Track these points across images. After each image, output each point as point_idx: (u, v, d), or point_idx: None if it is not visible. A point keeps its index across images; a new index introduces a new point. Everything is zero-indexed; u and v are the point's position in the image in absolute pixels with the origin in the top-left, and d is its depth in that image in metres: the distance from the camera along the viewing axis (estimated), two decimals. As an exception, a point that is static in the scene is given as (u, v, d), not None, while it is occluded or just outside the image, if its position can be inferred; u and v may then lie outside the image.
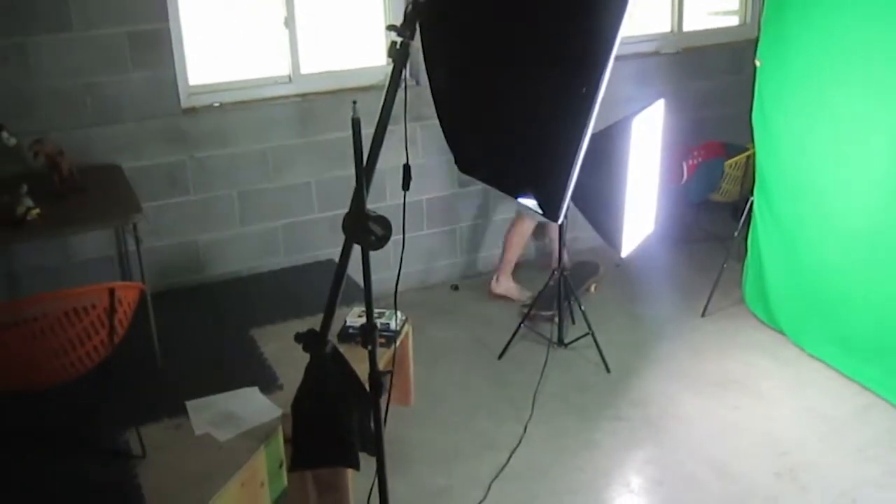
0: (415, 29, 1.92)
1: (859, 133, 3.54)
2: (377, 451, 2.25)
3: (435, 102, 2.03)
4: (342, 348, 2.36)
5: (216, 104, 4.13)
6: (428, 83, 1.98)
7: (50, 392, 2.81)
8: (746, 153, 4.76)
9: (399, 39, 1.93)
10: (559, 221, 2.02)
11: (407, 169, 2.05)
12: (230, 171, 4.20)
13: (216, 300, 4.09)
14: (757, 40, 3.98)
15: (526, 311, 4.24)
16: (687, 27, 5.23)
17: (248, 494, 2.93)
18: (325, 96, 4.31)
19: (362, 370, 2.26)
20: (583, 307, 4.09)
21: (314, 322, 2.26)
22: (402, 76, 1.96)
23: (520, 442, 3.45)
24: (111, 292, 2.66)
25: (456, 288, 4.82)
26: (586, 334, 4.06)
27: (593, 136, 1.88)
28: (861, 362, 3.72)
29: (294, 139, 4.29)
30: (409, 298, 4.50)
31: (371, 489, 2.36)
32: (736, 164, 4.87)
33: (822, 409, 3.58)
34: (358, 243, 2.03)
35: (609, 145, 3.49)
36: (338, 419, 2.35)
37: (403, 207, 2.28)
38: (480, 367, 4.01)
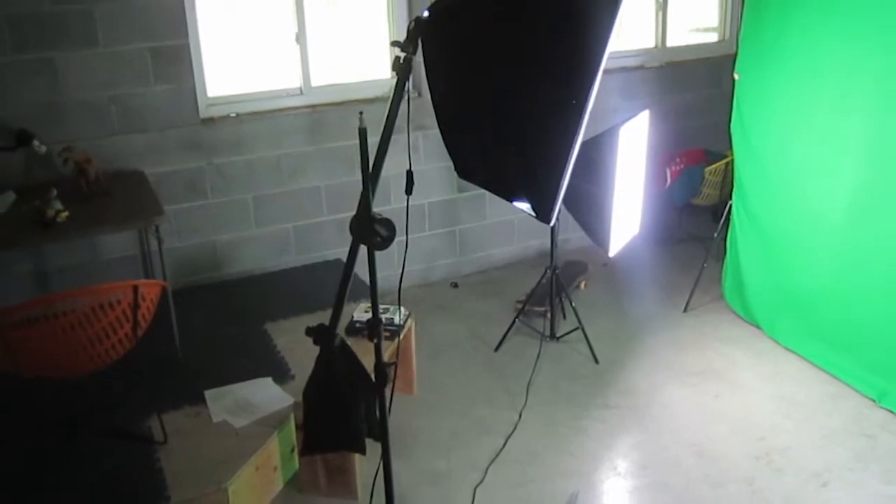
0: (417, 45, 1.92)
1: (831, 141, 3.54)
2: (382, 437, 2.25)
3: (436, 113, 2.03)
4: (350, 341, 2.36)
5: (233, 114, 4.13)
6: (429, 95, 1.97)
7: (79, 381, 2.82)
8: (725, 160, 4.76)
9: (402, 54, 1.93)
10: (551, 223, 2.02)
11: (410, 175, 2.05)
12: (246, 177, 4.19)
13: (232, 296, 4.09)
14: (735, 55, 3.98)
15: (520, 306, 4.24)
16: (670, 43, 5.22)
17: (262, 477, 2.93)
18: (333, 107, 4.31)
19: (368, 362, 2.26)
20: (573, 303, 4.08)
21: (323, 317, 2.26)
22: (406, 88, 1.96)
23: (515, 428, 3.44)
24: (135, 289, 2.67)
25: (455, 285, 4.82)
26: (576, 328, 4.06)
27: (583, 144, 1.88)
28: (831, 354, 3.72)
29: (305, 147, 4.29)
30: (411, 295, 4.50)
31: (377, 472, 2.36)
32: (715, 170, 4.87)
33: (795, 397, 3.58)
34: (364, 244, 2.03)
35: (598, 153, 3.49)
36: (346, 407, 2.35)
37: (407, 210, 2.29)
38: (478, 358, 4.00)
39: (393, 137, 1.99)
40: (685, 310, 4.39)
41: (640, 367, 3.90)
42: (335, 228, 4.44)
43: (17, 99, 3.61)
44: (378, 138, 1.99)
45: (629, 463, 3.25)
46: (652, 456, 3.26)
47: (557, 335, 4.13)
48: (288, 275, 4.33)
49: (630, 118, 3.73)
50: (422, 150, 4.46)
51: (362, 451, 2.44)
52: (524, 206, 2.05)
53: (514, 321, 4.15)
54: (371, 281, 2.11)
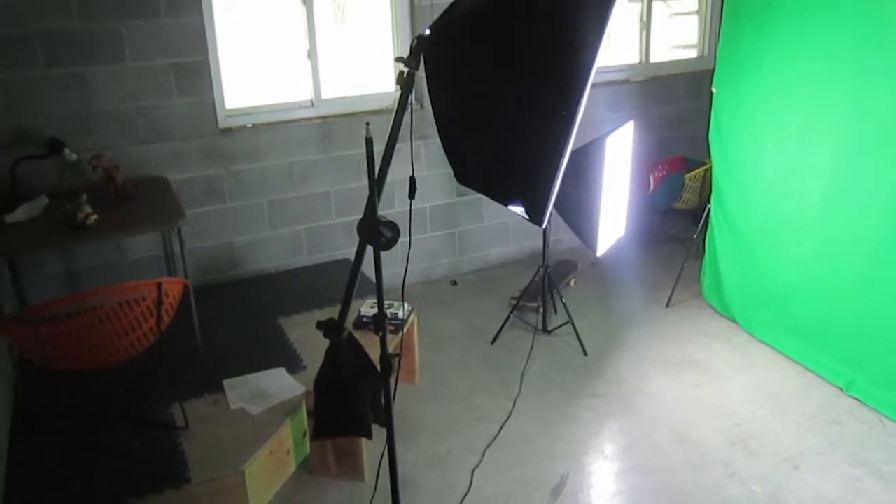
0: (419, 60, 1.92)
1: (802, 150, 3.54)
2: (387, 423, 2.25)
3: (436, 123, 2.03)
4: (357, 334, 2.36)
5: (249, 125, 4.13)
6: (430, 107, 1.97)
7: (107, 372, 2.82)
8: (704, 167, 4.76)
9: (406, 69, 1.93)
10: (543, 226, 2.02)
11: (413, 181, 2.05)
12: (261, 183, 4.19)
13: (249, 293, 4.08)
14: (713, 71, 3.98)
15: (515, 302, 4.24)
16: (653, 59, 5.22)
17: (276, 460, 2.93)
18: (342, 118, 4.30)
19: (374, 353, 2.26)
20: (564, 299, 4.08)
21: (333, 312, 2.26)
22: (409, 101, 1.96)
23: (510, 415, 3.44)
24: (159, 286, 2.66)
25: (455, 283, 4.81)
26: (567, 323, 4.06)
27: (573, 152, 1.88)
28: (803, 346, 3.72)
29: (316, 155, 4.29)
30: (414, 292, 4.50)
31: (382, 455, 2.36)
32: (695, 176, 4.87)
33: (769, 387, 3.58)
34: (370, 244, 2.02)
35: (586, 160, 3.49)
36: (353, 395, 2.35)
37: (410, 213, 2.28)
38: (476, 351, 4.00)
39: (397, 146, 1.99)
40: (667, 305, 4.39)
41: (626, 358, 3.89)
42: (343, 230, 4.44)
43: (50, 110, 3.61)
44: (383, 147, 1.99)
45: (615, 447, 3.25)
46: (637, 441, 3.26)
47: (549, 329, 4.13)
48: (300, 273, 4.32)
49: (616, 128, 3.73)
50: (424, 157, 4.46)
51: (369, 436, 2.44)
52: (518, 209, 2.04)
53: (508, 316, 4.14)
54: (377, 279, 2.11)
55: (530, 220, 2.06)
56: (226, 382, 3.17)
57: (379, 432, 2.35)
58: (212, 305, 3.76)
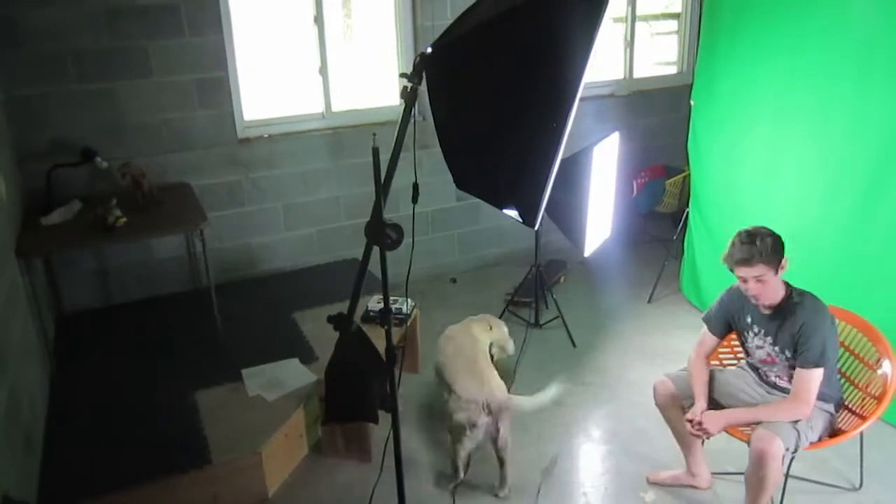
0: (422, 76, 1.92)
1: (772, 157, 3.54)
2: (392, 409, 2.25)
3: (437, 134, 2.03)
4: (364, 328, 2.36)
5: (265, 135, 4.13)
6: (432, 119, 1.98)
7: (135, 363, 2.82)
8: (683, 174, 4.77)
9: (409, 84, 1.93)
10: (535, 228, 2.03)
11: (416, 186, 2.05)
12: (277, 189, 4.20)
13: (265, 290, 4.09)
14: (692, 85, 3.99)
15: (509, 298, 4.24)
16: (636, 75, 5.23)
17: (290, 443, 2.94)
18: (351, 129, 4.31)
19: (380, 345, 2.26)
20: (554, 295, 4.08)
21: (342, 307, 2.26)
22: (412, 113, 1.96)
23: (505, 401, 3.44)
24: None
25: (454, 280, 4.82)
26: (557, 317, 4.06)
27: (562, 161, 1.88)
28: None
29: (327, 163, 4.29)
30: (417, 288, 4.50)
31: (387, 438, 2.36)
32: (675, 182, 4.88)
33: (742, 376, 3.57)
34: (377, 245, 2.02)
35: (575, 168, 3.49)
36: (361, 384, 2.35)
37: (413, 217, 2.28)
38: (474, 342, 3.99)
39: (401, 155, 2.00)
40: (649, 301, 4.39)
41: (612, 349, 3.89)
42: (352, 232, 4.45)
43: (82, 121, 3.62)
44: (389, 155, 1.99)
45: (602, 431, 3.25)
46: (621, 426, 3.26)
47: (541, 323, 4.13)
48: (312, 272, 4.33)
49: (602, 139, 3.73)
50: (426, 165, 4.46)
51: (375, 421, 2.44)
52: (512, 213, 2.04)
53: (503, 311, 4.14)
54: (382, 276, 2.11)
55: (524, 222, 2.07)
56: (244, 371, 3.18)
57: (385, 417, 2.36)
58: (231, 301, 3.77)
